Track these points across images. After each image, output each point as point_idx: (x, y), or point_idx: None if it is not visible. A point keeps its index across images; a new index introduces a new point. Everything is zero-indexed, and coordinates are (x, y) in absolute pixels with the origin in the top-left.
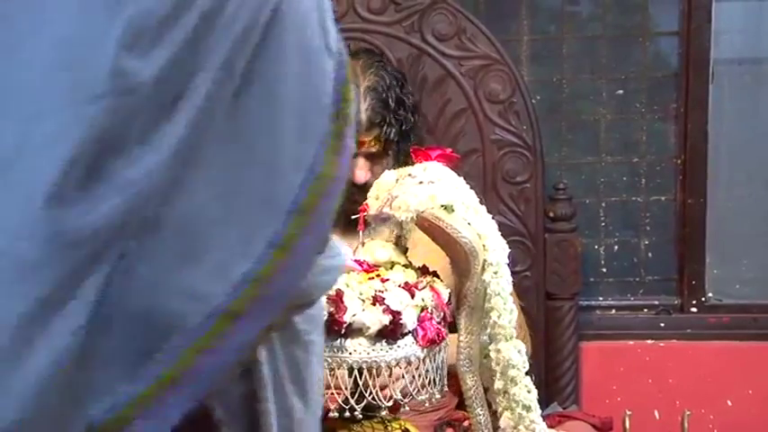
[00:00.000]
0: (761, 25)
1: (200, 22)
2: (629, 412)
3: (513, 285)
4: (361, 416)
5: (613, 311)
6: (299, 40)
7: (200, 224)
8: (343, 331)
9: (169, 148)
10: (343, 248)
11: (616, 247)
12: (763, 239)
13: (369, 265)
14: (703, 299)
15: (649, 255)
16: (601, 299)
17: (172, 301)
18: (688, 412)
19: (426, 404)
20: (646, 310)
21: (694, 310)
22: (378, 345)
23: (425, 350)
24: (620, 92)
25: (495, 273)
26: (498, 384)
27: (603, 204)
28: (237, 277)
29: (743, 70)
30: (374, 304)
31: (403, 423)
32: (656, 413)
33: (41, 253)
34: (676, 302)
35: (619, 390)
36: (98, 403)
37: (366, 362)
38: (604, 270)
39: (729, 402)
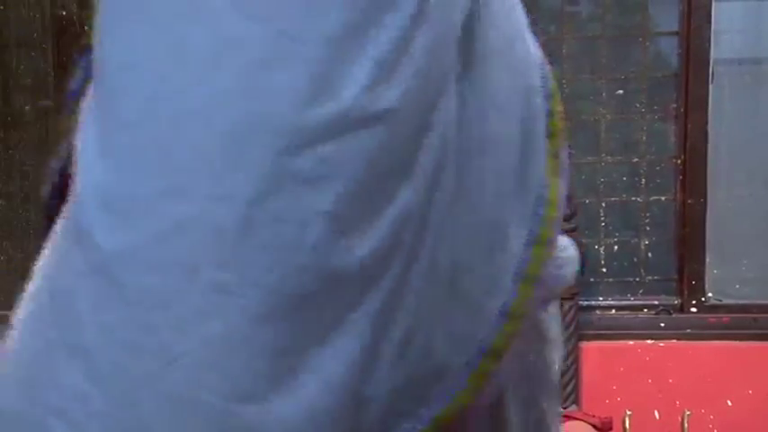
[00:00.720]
0: (761, 25)
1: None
2: (629, 412)
3: None
4: None
5: (613, 311)
6: (505, 55)
7: (448, 256)
8: None
9: (420, 182)
10: (563, 239)
11: (616, 247)
12: (763, 239)
13: None
14: (703, 299)
15: (649, 255)
16: (601, 299)
17: (438, 339)
18: (688, 412)
19: None
20: (646, 310)
21: (694, 310)
22: None
23: None
24: (620, 92)
25: None
26: None
27: (603, 204)
28: (492, 314)
29: (743, 70)
30: None
31: None
32: (656, 413)
33: (314, 287)
34: (676, 302)
35: (619, 390)
36: None
37: None
38: (604, 270)
39: (729, 402)
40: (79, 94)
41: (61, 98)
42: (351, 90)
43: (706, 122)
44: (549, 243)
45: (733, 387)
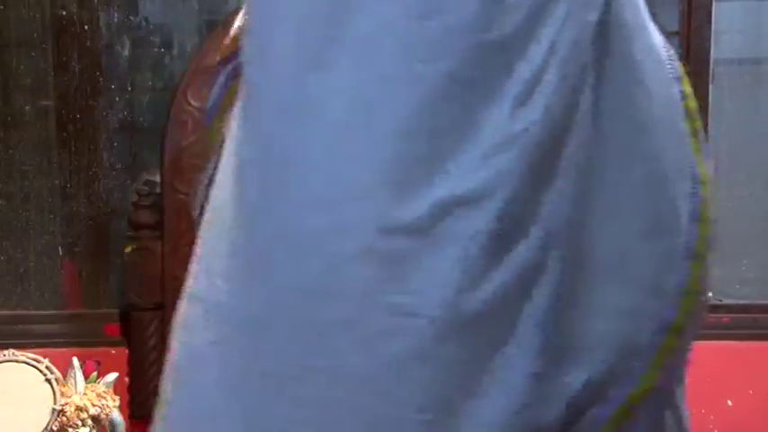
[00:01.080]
0: (761, 25)
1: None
2: None
3: None
4: None
5: None
6: (641, 38)
7: (616, 242)
8: None
9: (569, 180)
10: None
11: None
12: (763, 239)
13: None
14: None
15: None
16: None
17: (615, 322)
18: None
19: None
20: None
21: None
22: None
23: None
24: None
25: None
26: None
27: None
28: (671, 291)
29: (743, 70)
30: None
31: None
32: None
33: (486, 301)
34: None
35: None
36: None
37: None
38: None
39: (729, 402)
40: (219, 107)
41: (61, 98)
42: (498, 118)
43: (706, 122)
44: (710, 222)
45: (733, 387)
